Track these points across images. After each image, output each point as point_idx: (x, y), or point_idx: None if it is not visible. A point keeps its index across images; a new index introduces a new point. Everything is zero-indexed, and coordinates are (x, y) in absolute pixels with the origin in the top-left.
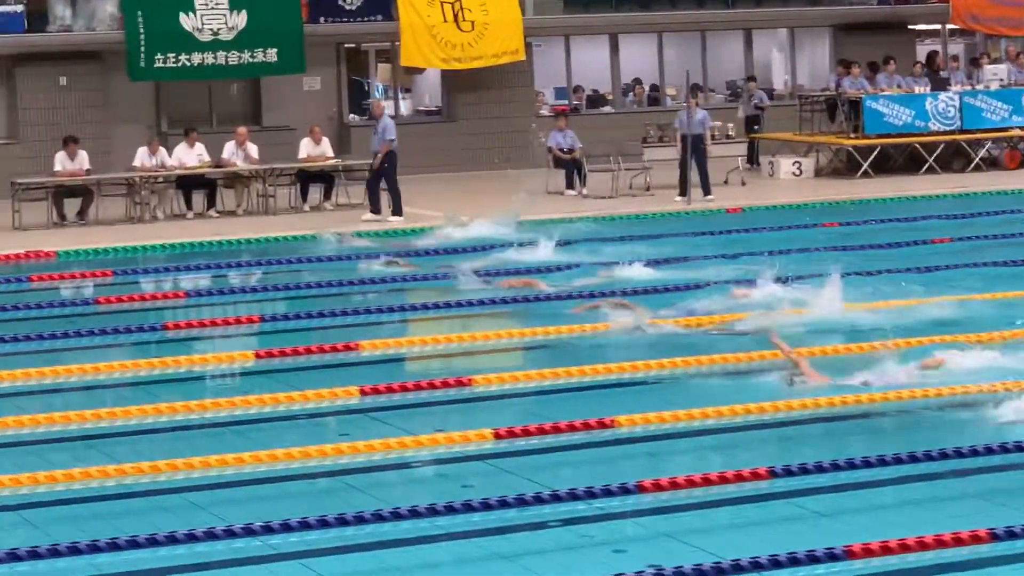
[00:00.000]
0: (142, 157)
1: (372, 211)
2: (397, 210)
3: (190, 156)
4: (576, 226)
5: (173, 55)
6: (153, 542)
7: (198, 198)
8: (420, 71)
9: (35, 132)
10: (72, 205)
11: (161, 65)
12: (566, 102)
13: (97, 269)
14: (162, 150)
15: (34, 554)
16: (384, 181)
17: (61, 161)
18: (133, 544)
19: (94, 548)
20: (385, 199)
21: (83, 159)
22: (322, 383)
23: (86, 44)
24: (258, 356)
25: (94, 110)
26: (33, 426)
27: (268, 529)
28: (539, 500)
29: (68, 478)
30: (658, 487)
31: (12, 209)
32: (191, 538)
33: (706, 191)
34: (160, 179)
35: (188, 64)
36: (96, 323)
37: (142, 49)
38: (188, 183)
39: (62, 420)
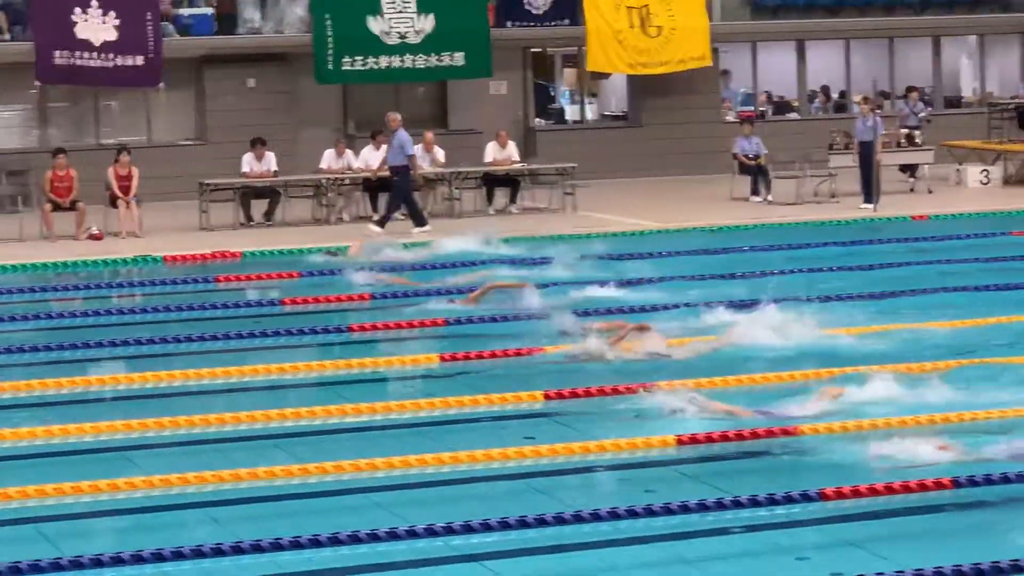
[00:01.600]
0: (328, 159)
1: (417, 224)
2: (382, 223)
3: (376, 158)
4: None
5: (360, 58)
6: (335, 541)
7: (384, 200)
8: (606, 76)
9: (223, 134)
10: (259, 206)
11: (348, 68)
12: (752, 108)
13: (283, 270)
14: (348, 152)
15: (218, 551)
16: (397, 196)
17: (248, 162)
18: (315, 543)
19: (276, 546)
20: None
21: (270, 160)
22: (506, 387)
23: (274, 46)
24: (443, 359)
25: (281, 112)
26: (219, 425)
27: (449, 530)
28: (720, 506)
29: (252, 476)
30: (840, 495)
31: (200, 209)
32: (373, 538)
33: (867, 198)
34: (346, 181)
35: (375, 67)
36: (281, 324)
37: (330, 52)
38: (374, 185)
39: (248, 419)
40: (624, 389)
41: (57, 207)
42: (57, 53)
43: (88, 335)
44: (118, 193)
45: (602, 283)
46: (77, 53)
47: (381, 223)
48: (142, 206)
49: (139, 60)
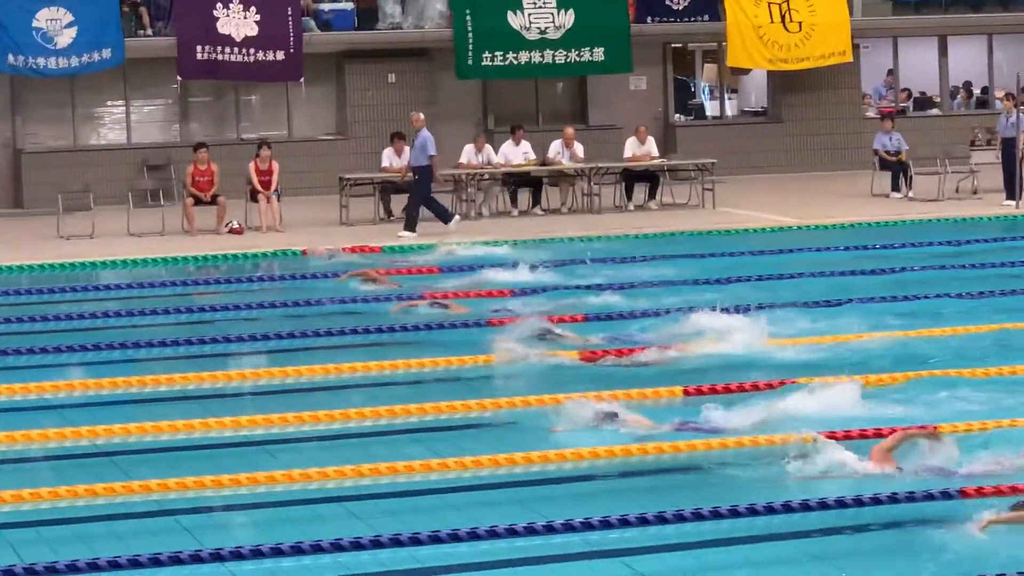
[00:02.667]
0: (468, 154)
1: (444, 222)
2: (410, 227)
3: (516, 154)
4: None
5: (500, 53)
6: (474, 536)
7: (523, 196)
8: (746, 72)
9: (363, 128)
10: (399, 201)
11: (488, 63)
12: (893, 104)
13: (422, 265)
14: (488, 147)
15: (357, 545)
16: (414, 196)
17: (388, 157)
18: (454, 538)
19: (415, 540)
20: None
21: (408, 156)
22: (646, 383)
23: (415, 42)
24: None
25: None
26: (359, 419)
27: (588, 526)
28: (859, 503)
29: (392, 471)
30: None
31: (340, 204)
32: (512, 533)
33: (1009, 195)
34: (486, 176)
35: (515, 62)
36: (421, 318)
37: (470, 47)
38: (514, 181)
39: (387, 414)
40: (764, 385)
41: (198, 201)
42: (199, 48)
43: (229, 329)
44: (259, 187)
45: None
46: (219, 48)
47: (410, 227)
48: (282, 200)
49: (280, 55)
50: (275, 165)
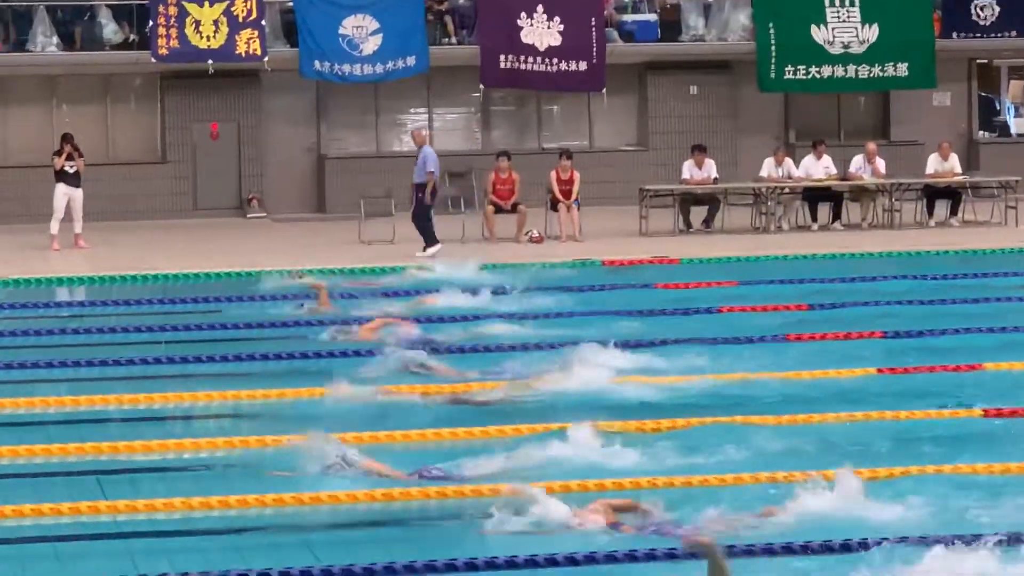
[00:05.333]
0: (768, 168)
1: (426, 245)
2: (428, 245)
3: (817, 168)
4: None
5: (803, 67)
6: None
7: (823, 210)
8: None
9: (664, 140)
10: (698, 213)
11: (791, 77)
12: None
13: (722, 278)
14: (788, 161)
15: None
16: (414, 211)
17: (689, 169)
18: None
19: None
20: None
21: (711, 168)
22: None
23: (717, 54)
24: (880, 372)
25: (723, 119)
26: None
27: None
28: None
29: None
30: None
31: (639, 215)
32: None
33: None
34: (786, 190)
35: (818, 76)
36: (719, 331)
37: (772, 60)
38: (814, 195)
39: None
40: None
41: (499, 209)
42: (502, 57)
43: (525, 337)
44: (559, 197)
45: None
46: (522, 57)
47: (428, 246)
48: (582, 210)
49: (583, 65)
50: (576, 175)
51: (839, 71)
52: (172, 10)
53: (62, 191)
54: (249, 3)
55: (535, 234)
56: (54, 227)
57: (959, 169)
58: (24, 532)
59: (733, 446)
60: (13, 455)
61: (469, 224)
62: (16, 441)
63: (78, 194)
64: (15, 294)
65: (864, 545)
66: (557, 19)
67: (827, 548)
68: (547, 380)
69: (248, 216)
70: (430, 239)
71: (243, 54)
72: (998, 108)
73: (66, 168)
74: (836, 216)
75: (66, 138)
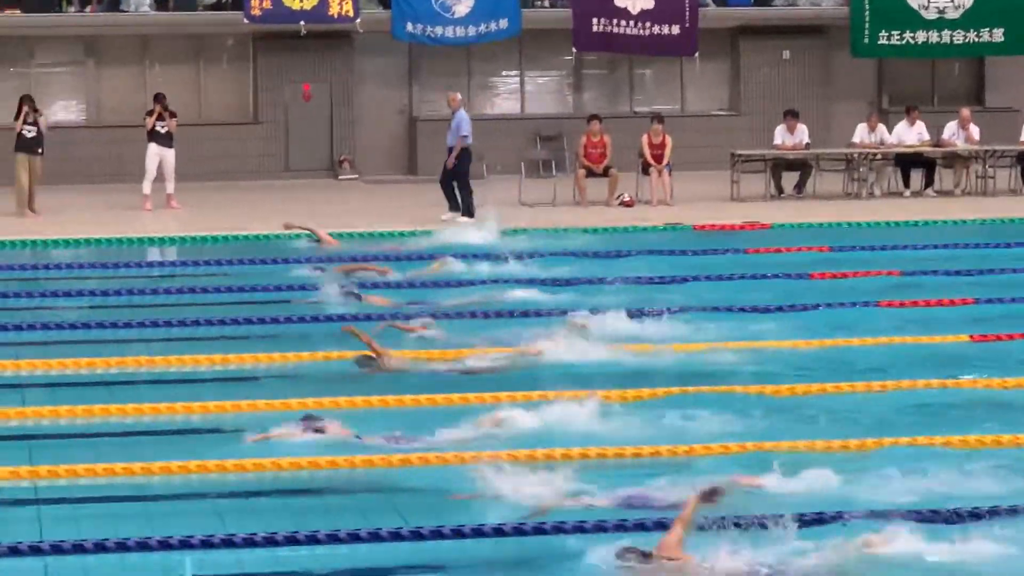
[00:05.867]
0: (861, 133)
1: (451, 208)
2: (467, 211)
3: (910, 134)
4: None
5: (897, 32)
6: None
7: (916, 177)
8: None
9: (756, 105)
10: (790, 178)
11: (884, 42)
12: None
13: (813, 243)
14: (881, 127)
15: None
16: (456, 180)
17: (781, 134)
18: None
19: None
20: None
21: (803, 133)
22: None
23: (811, 19)
24: (972, 339)
25: (815, 85)
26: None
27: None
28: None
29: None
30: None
31: (731, 180)
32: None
33: None
34: (878, 156)
35: (912, 42)
36: (808, 297)
37: (866, 25)
38: (906, 161)
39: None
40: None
41: (590, 173)
42: (595, 20)
43: (615, 300)
44: (651, 161)
45: None
46: (614, 21)
47: (467, 213)
48: (673, 174)
49: (675, 29)
50: (668, 139)
51: (934, 36)
52: None
53: (154, 151)
54: None
55: (626, 198)
56: (146, 187)
57: None
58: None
59: (825, 413)
60: (105, 414)
61: (560, 187)
62: (108, 400)
63: (170, 154)
64: (108, 253)
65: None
66: None
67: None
68: (637, 347)
69: (339, 178)
70: (453, 203)
71: (335, 15)
72: None
73: (158, 128)
74: (929, 183)
75: (158, 98)
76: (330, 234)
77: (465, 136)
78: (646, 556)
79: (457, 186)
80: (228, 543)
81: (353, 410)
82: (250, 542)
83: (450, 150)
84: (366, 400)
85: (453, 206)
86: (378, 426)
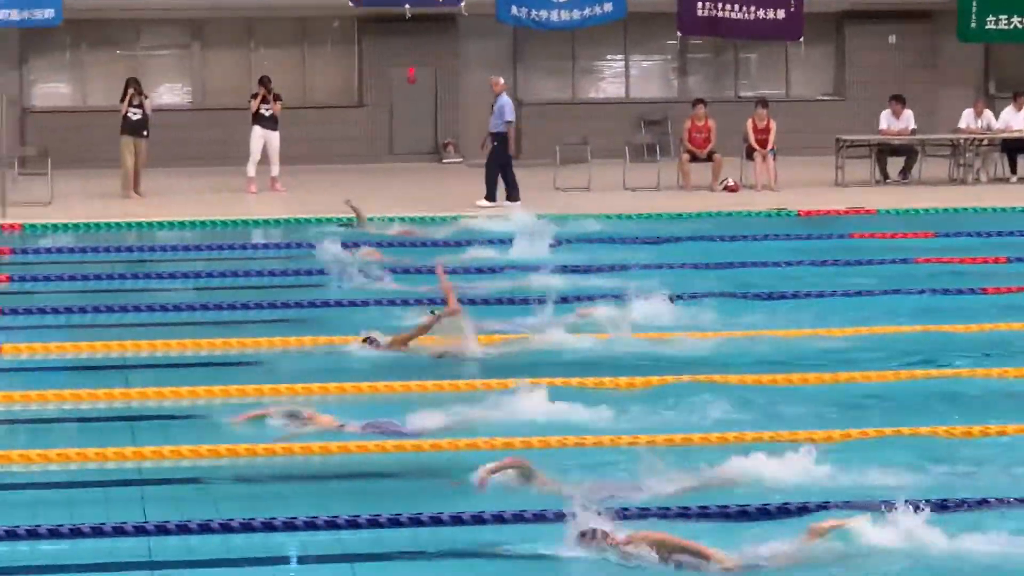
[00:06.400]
0: (967, 119)
1: (509, 199)
2: (512, 195)
3: (1017, 120)
4: None
5: (1005, 17)
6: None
7: (1022, 162)
8: None
9: (862, 90)
10: (895, 164)
11: (992, 27)
12: None
13: (919, 229)
14: (988, 112)
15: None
16: (497, 166)
17: (886, 119)
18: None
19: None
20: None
21: (908, 118)
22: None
23: (917, 3)
24: None
25: (921, 70)
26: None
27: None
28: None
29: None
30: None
31: (835, 165)
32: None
33: None
34: (985, 142)
35: (1020, 26)
36: (916, 282)
37: (974, 9)
38: (1013, 147)
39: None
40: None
41: (694, 158)
42: (699, 4)
43: (725, 284)
44: (755, 146)
45: None
46: (719, 5)
47: (511, 197)
48: (777, 159)
49: (780, 13)
50: (772, 124)
51: None
52: None
53: (258, 134)
54: None
55: (730, 183)
56: (251, 170)
57: None
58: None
59: (937, 399)
60: (209, 395)
61: (664, 172)
62: (212, 381)
63: (274, 137)
64: (212, 235)
65: None
66: None
67: None
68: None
69: (444, 161)
70: (511, 195)
71: None
72: None
73: (262, 111)
74: None
75: (263, 81)
76: (369, 219)
77: (509, 121)
78: (605, 536)
79: (501, 173)
80: (332, 525)
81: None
82: (350, 523)
83: (492, 135)
84: None
85: (491, 194)
86: None
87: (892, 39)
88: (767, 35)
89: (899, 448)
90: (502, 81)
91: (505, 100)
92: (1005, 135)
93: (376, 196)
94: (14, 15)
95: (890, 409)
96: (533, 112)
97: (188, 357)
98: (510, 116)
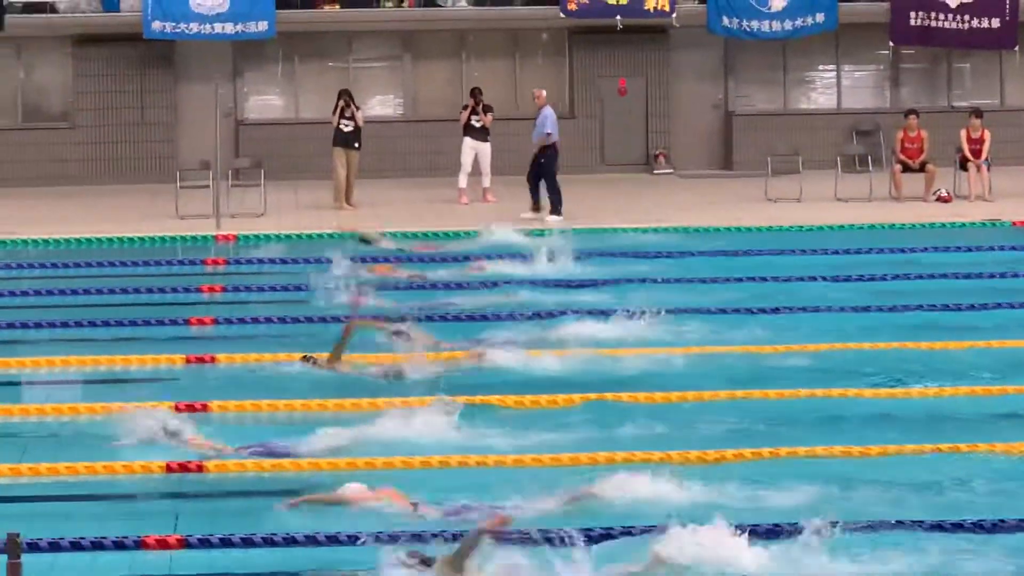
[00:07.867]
0: None
1: (532, 208)
2: (555, 210)
3: None
4: None
5: None
6: None
7: None
8: None
9: None
10: None
11: None
12: None
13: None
14: None
15: None
16: (543, 178)
17: None
18: None
19: None
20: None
21: None
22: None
23: None
24: None
25: None
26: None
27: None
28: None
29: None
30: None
31: None
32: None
33: None
34: None
35: None
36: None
37: None
38: None
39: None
40: None
41: (907, 168)
42: (912, 14)
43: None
44: (969, 156)
45: None
46: (932, 14)
47: (555, 212)
48: (992, 170)
49: (995, 22)
50: (987, 134)
51: None
52: None
53: (469, 145)
54: None
55: (943, 193)
56: (462, 181)
57: None
58: None
59: None
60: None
61: (876, 183)
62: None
63: (485, 148)
64: (423, 246)
65: None
66: None
67: None
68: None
69: (655, 172)
70: (535, 202)
71: (651, 10)
72: None
73: (472, 122)
74: None
75: (473, 93)
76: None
77: (550, 133)
78: (426, 563)
79: (545, 184)
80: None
81: None
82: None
83: (540, 149)
84: None
85: (535, 206)
86: None
87: None
88: (981, 44)
89: None
90: (544, 94)
91: (548, 112)
92: None
93: (585, 205)
94: (229, 28)
95: None
96: (744, 123)
97: None
98: (551, 128)
